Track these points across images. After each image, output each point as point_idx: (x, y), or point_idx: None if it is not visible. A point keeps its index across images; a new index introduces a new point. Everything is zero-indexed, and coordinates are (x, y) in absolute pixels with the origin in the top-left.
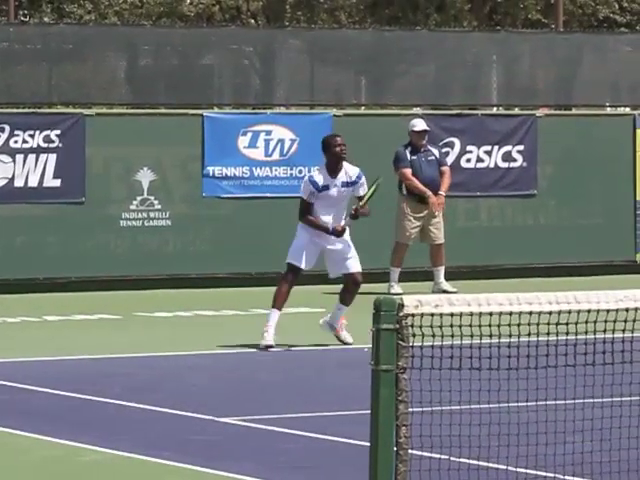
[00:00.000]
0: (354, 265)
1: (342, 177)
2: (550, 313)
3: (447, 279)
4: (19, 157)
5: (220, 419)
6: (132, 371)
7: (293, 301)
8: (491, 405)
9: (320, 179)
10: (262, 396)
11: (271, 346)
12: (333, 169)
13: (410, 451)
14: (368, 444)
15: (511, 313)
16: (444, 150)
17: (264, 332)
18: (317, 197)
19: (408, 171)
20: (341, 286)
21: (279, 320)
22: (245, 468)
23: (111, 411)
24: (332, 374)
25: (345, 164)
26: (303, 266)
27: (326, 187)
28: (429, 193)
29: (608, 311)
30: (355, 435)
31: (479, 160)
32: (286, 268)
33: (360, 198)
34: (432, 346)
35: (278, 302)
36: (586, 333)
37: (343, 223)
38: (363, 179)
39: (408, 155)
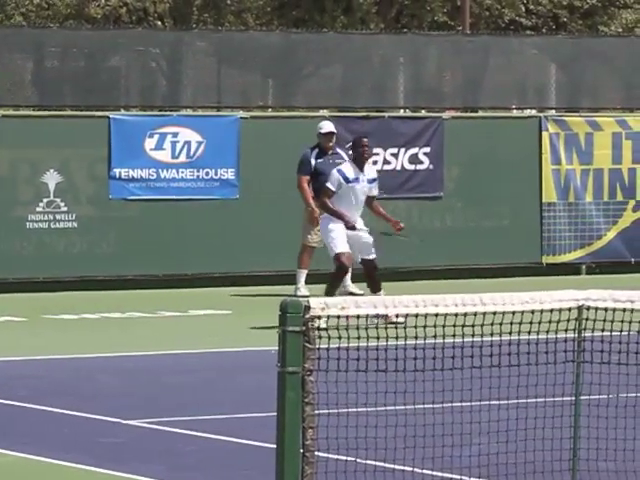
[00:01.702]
0: (371, 252)
1: (368, 174)
2: (456, 315)
3: (353, 281)
4: None
5: (127, 421)
6: (39, 374)
7: (201, 303)
8: (397, 407)
9: (350, 172)
10: (170, 398)
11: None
12: (361, 166)
13: (317, 453)
14: (275, 446)
15: (417, 315)
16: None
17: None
18: (344, 189)
19: (304, 178)
20: (248, 288)
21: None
22: (149, 470)
23: (16, 414)
24: (239, 376)
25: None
26: (349, 249)
27: (357, 179)
28: (312, 207)
29: (514, 313)
30: (262, 437)
31: (386, 162)
32: (336, 258)
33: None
34: (338, 348)
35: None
36: (492, 335)
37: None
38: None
39: (312, 159)
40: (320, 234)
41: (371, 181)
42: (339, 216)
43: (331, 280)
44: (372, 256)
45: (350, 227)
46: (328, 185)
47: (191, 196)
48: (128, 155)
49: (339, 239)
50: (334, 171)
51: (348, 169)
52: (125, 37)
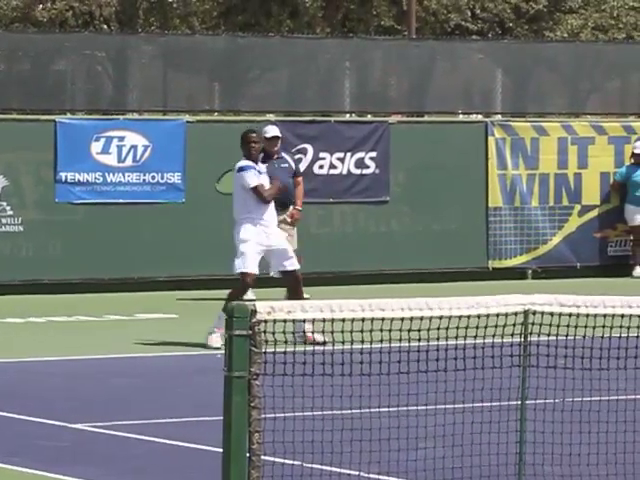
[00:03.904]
0: (295, 263)
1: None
2: (402, 319)
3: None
4: None
5: (72, 425)
6: None
7: (147, 307)
8: (343, 411)
9: (256, 165)
10: (116, 402)
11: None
12: (254, 160)
13: (263, 457)
14: (221, 450)
15: (363, 319)
16: (297, 157)
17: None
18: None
19: None
20: (194, 292)
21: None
22: (93, 474)
23: None
24: (186, 380)
25: None
26: (257, 271)
27: (260, 172)
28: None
29: (460, 317)
30: (208, 441)
31: (332, 167)
32: (240, 278)
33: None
34: (285, 352)
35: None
36: (438, 339)
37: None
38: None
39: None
40: None
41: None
42: (275, 191)
43: (231, 296)
44: (291, 267)
45: (281, 189)
46: (254, 184)
47: (137, 200)
48: (74, 159)
49: (250, 255)
50: (244, 170)
51: (250, 163)
52: (71, 41)
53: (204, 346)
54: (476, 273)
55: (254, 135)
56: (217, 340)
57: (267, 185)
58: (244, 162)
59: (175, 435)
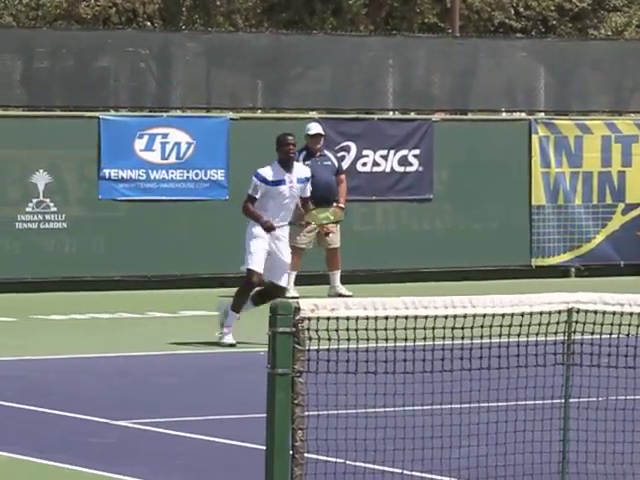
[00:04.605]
0: (286, 280)
1: (297, 174)
2: (446, 317)
3: (343, 283)
4: None
5: (115, 422)
6: (27, 374)
7: (190, 304)
8: (387, 409)
9: (269, 174)
10: (158, 399)
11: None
12: (286, 165)
13: (306, 454)
14: (264, 447)
15: (407, 317)
16: (340, 154)
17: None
18: (267, 191)
19: None
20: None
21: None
22: (139, 471)
23: (4, 414)
24: (229, 377)
25: (295, 163)
26: (262, 271)
27: (281, 181)
28: (299, 209)
29: (503, 315)
30: (251, 438)
31: (375, 164)
32: (246, 274)
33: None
34: (328, 349)
35: (238, 306)
36: (481, 337)
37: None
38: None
39: (300, 162)
40: (310, 236)
41: (302, 181)
42: (257, 218)
43: (237, 293)
44: (282, 284)
45: (268, 228)
46: (250, 192)
47: (180, 197)
48: (118, 156)
49: (256, 255)
50: (252, 176)
51: (266, 171)
52: (114, 38)
53: (247, 343)
54: (519, 271)
55: (291, 137)
56: (230, 338)
57: (284, 195)
58: (264, 169)
59: (218, 432)
